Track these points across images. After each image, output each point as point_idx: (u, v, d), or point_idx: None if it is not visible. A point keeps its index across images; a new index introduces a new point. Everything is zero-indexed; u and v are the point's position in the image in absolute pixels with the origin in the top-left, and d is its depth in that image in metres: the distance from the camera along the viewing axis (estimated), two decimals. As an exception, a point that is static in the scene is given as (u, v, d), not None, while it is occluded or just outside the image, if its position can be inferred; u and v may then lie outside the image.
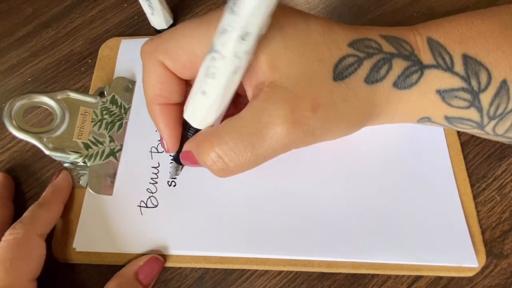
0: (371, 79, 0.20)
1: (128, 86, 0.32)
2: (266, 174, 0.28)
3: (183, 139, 0.24)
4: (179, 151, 0.24)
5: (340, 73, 0.20)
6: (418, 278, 0.25)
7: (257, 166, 0.21)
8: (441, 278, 0.25)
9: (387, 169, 0.27)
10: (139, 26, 0.37)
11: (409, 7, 0.34)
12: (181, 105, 0.23)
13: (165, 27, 0.35)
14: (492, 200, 0.27)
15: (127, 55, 0.34)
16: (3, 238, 0.23)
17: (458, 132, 0.29)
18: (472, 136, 0.29)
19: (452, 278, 0.25)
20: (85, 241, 0.27)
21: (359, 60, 0.20)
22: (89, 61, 0.35)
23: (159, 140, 0.30)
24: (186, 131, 0.23)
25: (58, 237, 0.27)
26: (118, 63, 0.33)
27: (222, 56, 0.18)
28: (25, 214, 0.25)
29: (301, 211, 0.26)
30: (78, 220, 0.27)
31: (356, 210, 0.26)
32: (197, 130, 0.22)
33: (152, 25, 0.35)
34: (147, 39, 0.34)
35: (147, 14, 0.34)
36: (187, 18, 0.37)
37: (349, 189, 0.27)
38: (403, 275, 0.25)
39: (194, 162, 0.22)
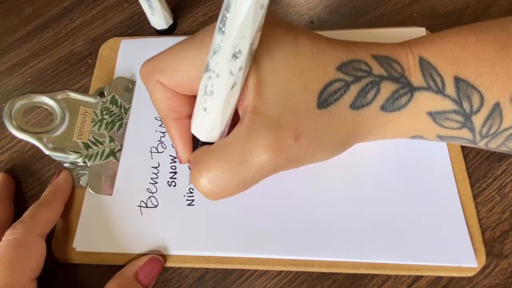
0: (357, 104, 0.20)
1: (128, 86, 0.32)
2: (266, 174, 0.28)
3: (194, 150, 0.24)
4: None
5: (324, 101, 0.20)
6: (418, 278, 0.25)
7: (245, 190, 0.21)
8: (441, 278, 0.25)
9: (387, 169, 0.27)
10: (139, 26, 0.37)
11: (409, 7, 0.34)
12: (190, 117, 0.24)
13: (165, 27, 0.35)
14: (492, 200, 0.27)
15: (127, 55, 0.34)
16: (4, 238, 0.23)
17: (458, 132, 0.29)
18: (472, 136, 0.29)
19: (452, 278, 0.25)
20: (85, 241, 0.27)
21: (346, 85, 0.20)
22: (89, 61, 0.35)
23: (159, 140, 0.30)
24: (195, 142, 0.23)
25: (58, 237, 0.27)
26: (118, 63, 0.34)
27: (217, 75, 0.18)
28: (26, 213, 0.25)
29: (301, 211, 0.26)
30: (78, 220, 0.27)
31: (356, 210, 0.26)
32: (205, 143, 0.22)
33: (152, 25, 0.35)
34: (147, 39, 0.35)
35: (147, 14, 0.34)
36: (187, 18, 0.37)
37: (349, 189, 0.27)
38: (403, 275, 0.25)
39: None
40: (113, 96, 0.31)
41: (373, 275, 0.25)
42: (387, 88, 0.20)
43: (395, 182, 0.27)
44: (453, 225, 0.25)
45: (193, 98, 0.22)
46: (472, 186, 0.27)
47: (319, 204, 0.27)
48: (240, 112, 0.21)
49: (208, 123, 0.21)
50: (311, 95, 0.20)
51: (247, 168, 0.19)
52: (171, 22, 0.35)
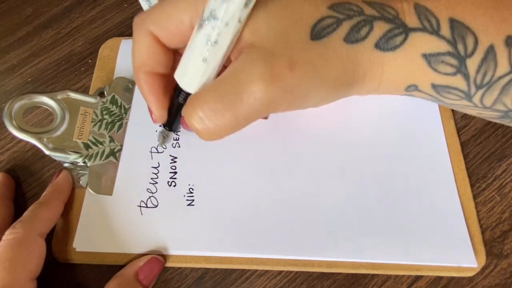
0: (351, 38, 0.20)
1: (128, 86, 0.32)
2: (266, 174, 0.28)
3: (173, 107, 0.24)
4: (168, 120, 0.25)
5: (317, 33, 0.20)
6: (418, 278, 0.25)
7: (240, 129, 0.21)
8: (441, 278, 0.25)
9: (387, 169, 0.28)
10: (139, 26, 0.36)
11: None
12: (165, 76, 0.24)
13: (165, 27, 0.35)
14: (492, 200, 0.27)
15: (127, 55, 0.34)
16: (4, 238, 0.23)
17: (458, 132, 0.29)
18: (472, 136, 0.29)
19: (452, 278, 0.25)
20: (85, 241, 0.27)
21: (338, 21, 0.20)
22: (89, 61, 0.35)
23: (159, 140, 0.30)
24: (176, 98, 0.23)
25: (58, 237, 0.27)
26: (118, 63, 0.33)
27: (225, 24, 0.18)
28: (25, 213, 0.25)
29: (301, 211, 0.26)
30: (78, 220, 0.27)
31: (356, 210, 0.26)
32: (188, 95, 0.22)
33: (152, 25, 0.35)
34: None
35: (147, 14, 0.34)
36: (187, 18, 0.37)
37: (349, 189, 0.27)
38: (403, 275, 0.25)
39: (188, 127, 0.22)
40: (113, 96, 0.31)
41: (373, 275, 0.25)
42: (380, 27, 0.20)
43: (395, 182, 0.27)
44: (453, 225, 0.25)
45: (170, 56, 0.23)
46: (472, 186, 0.27)
47: (319, 204, 0.27)
48: (232, 58, 0.21)
49: (205, 74, 0.21)
50: (304, 28, 0.20)
51: (241, 99, 0.19)
52: (171, 22, 0.35)
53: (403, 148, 0.28)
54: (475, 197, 0.27)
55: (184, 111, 0.21)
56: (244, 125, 0.21)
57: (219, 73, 0.21)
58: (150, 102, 0.24)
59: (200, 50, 0.20)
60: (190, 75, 0.21)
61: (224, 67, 0.22)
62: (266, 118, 0.29)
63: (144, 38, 0.22)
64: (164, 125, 0.26)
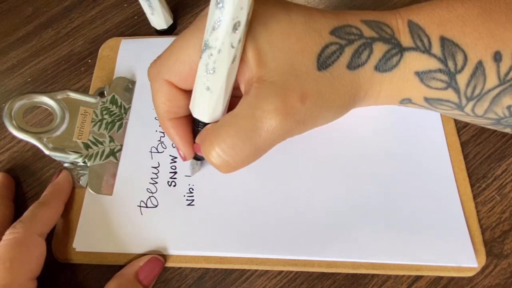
0: (353, 65, 0.21)
1: (128, 86, 0.32)
2: (266, 174, 0.28)
3: (195, 136, 0.24)
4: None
5: (323, 63, 0.20)
6: (418, 278, 0.25)
7: (257, 160, 0.22)
8: (441, 278, 0.25)
9: (387, 169, 0.28)
10: (139, 26, 0.37)
11: (409, 7, 0.34)
12: (188, 117, 0.24)
13: (165, 27, 0.35)
14: (492, 200, 0.27)
15: (127, 55, 0.34)
16: (4, 238, 0.23)
17: (458, 132, 0.29)
18: (472, 136, 0.29)
19: (452, 278, 0.25)
20: (85, 241, 0.27)
21: (341, 47, 0.21)
22: (89, 61, 0.35)
23: (159, 140, 0.30)
24: (196, 127, 0.24)
25: (58, 237, 0.27)
26: (118, 63, 0.34)
27: (218, 50, 0.19)
28: (26, 213, 0.25)
29: (301, 212, 0.26)
30: (78, 220, 0.27)
31: (356, 210, 0.26)
32: (206, 124, 0.23)
33: (152, 25, 0.35)
34: (147, 39, 0.35)
35: (147, 14, 0.34)
36: (187, 18, 0.37)
37: (349, 189, 0.27)
38: (403, 275, 0.25)
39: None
40: (113, 96, 0.31)
41: (373, 275, 0.25)
42: (379, 49, 0.21)
43: (395, 182, 0.27)
44: (453, 225, 0.25)
45: (189, 97, 0.23)
46: (472, 186, 0.27)
47: (319, 205, 0.27)
48: (243, 88, 0.22)
49: (211, 102, 0.21)
50: (310, 59, 0.20)
51: (258, 134, 0.20)
52: (171, 22, 0.35)
53: (403, 148, 0.28)
54: (475, 197, 0.27)
55: (202, 148, 0.22)
56: (261, 155, 0.21)
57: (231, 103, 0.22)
58: (179, 144, 0.25)
59: (202, 80, 0.20)
60: (199, 105, 0.22)
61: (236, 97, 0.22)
62: None
63: (162, 88, 0.23)
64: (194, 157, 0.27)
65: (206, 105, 0.21)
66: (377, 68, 0.21)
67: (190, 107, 0.23)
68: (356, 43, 0.21)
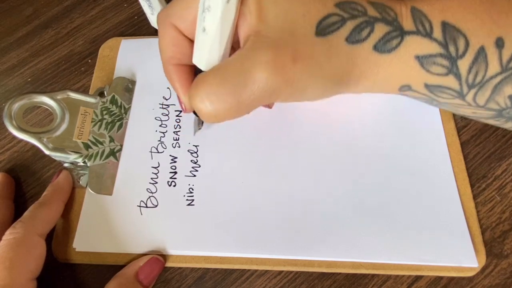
0: (352, 39, 0.21)
1: (128, 86, 0.32)
2: (266, 175, 0.28)
3: None
4: None
5: (322, 30, 0.20)
6: (418, 278, 0.25)
7: (241, 116, 0.21)
8: (441, 278, 0.25)
9: (387, 169, 0.28)
10: (139, 26, 0.37)
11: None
12: (193, 67, 0.24)
13: (165, 27, 0.35)
14: (492, 200, 0.27)
15: (127, 55, 0.34)
16: (4, 238, 0.23)
17: (458, 132, 0.29)
18: (472, 136, 0.29)
19: (452, 278, 0.25)
20: (85, 241, 0.27)
21: (343, 20, 0.21)
22: (89, 61, 0.35)
23: (159, 140, 0.30)
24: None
25: (58, 237, 0.27)
26: (118, 63, 0.34)
27: None
28: (26, 213, 0.25)
29: (301, 211, 0.26)
30: (78, 220, 0.27)
31: (356, 210, 0.26)
32: None
33: (152, 25, 0.35)
34: (147, 39, 0.35)
35: (147, 14, 0.34)
36: (187, 18, 0.37)
37: (349, 189, 0.27)
38: (403, 275, 0.25)
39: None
40: (113, 96, 0.31)
41: (373, 275, 0.25)
42: (380, 29, 0.21)
43: (395, 182, 0.27)
44: (453, 225, 0.25)
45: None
46: (472, 186, 0.27)
47: (319, 204, 0.27)
48: (241, 41, 0.22)
49: (207, 45, 0.21)
50: (310, 23, 0.20)
51: (244, 85, 0.20)
52: (171, 22, 0.35)
53: (404, 148, 0.28)
54: (475, 197, 0.27)
55: (190, 92, 0.21)
56: (245, 112, 0.21)
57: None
58: (179, 92, 0.25)
59: (200, 22, 0.20)
60: (196, 50, 0.22)
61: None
62: (270, 107, 0.29)
63: (169, 32, 0.23)
64: (195, 113, 0.27)
65: (202, 49, 0.21)
66: (376, 47, 0.21)
67: (192, 56, 0.23)
68: (358, 19, 0.21)
